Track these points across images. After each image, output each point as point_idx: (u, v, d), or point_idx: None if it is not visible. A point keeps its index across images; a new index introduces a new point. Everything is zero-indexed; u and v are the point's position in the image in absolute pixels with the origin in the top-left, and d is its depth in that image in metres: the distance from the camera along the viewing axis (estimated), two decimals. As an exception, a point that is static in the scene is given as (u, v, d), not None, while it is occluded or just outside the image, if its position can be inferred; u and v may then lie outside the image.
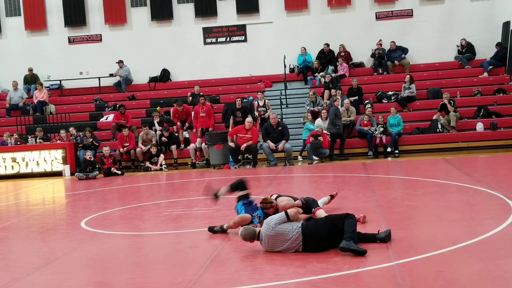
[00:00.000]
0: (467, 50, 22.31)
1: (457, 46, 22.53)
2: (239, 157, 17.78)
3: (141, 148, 18.75)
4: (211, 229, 8.64)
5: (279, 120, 18.46)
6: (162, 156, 18.36)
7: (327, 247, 7.25)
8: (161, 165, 18.17)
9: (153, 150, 18.36)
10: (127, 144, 18.87)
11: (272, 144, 17.41)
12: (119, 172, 17.64)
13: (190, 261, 7.27)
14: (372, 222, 8.68)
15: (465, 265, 6.48)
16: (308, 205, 9.00)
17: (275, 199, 8.84)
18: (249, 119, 17.70)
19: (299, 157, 18.21)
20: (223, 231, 8.57)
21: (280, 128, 17.76)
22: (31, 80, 23.87)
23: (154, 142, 18.82)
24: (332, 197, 9.77)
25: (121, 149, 18.77)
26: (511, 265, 6.36)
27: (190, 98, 20.96)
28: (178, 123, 19.70)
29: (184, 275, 6.61)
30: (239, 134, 17.50)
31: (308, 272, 6.48)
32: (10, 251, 8.73)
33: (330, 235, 7.26)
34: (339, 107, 19.24)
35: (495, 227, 7.90)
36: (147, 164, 18.33)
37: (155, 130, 19.46)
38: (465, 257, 6.77)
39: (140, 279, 6.67)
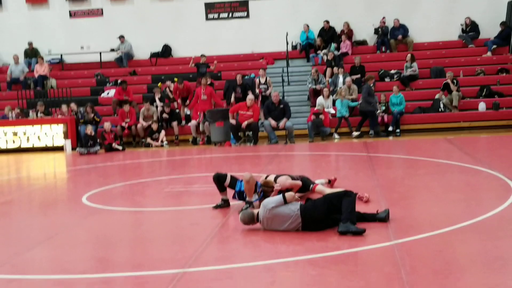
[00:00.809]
0: (471, 29, 22.18)
1: (461, 25, 22.40)
2: (239, 135, 17.75)
3: (142, 124, 18.74)
4: (217, 206, 8.69)
5: (281, 98, 18.40)
6: (163, 132, 18.36)
7: (327, 226, 7.28)
8: (162, 141, 18.18)
9: (154, 126, 18.37)
10: (128, 120, 18.86)
11: (273, 122, 17.39)
12: (120, 147, 17.65)
13: (191, 238, 7.30)
14: (372, 202, 8.69)
15: (464, 245, 6.51)
16: (304, 184, 9.02)
17: (275, 179, 8.85)
18: (250, 96, 17.66)
19: (335, 134, 18.08)
20: (225, 203, 8.62)
21: (282, 106, 17.71)
22: (31, 54, 23.78)
23: (155, 118, 18.81)
24: (329, 181, 9.73)
25: (123, 124, 18.75)
26: (509, 246, 6.39)
27: (193, 65, 20.77)
28: (179, 100, 19.62)
29: (185, 252, 6.64)
30: (240, 112, 17.48)
31: (307, 251, 6.51)
32: (11, 225, 8.76)
33: (329, 215, 7.29)
34: (343, 85, 19.22)
35: (495, 208, 7.92)
36: (148, 140, 18.34)
37: (156, 106, 19.43)
38: (464, 237, 6.80)
39: (141, 256, 6.71)
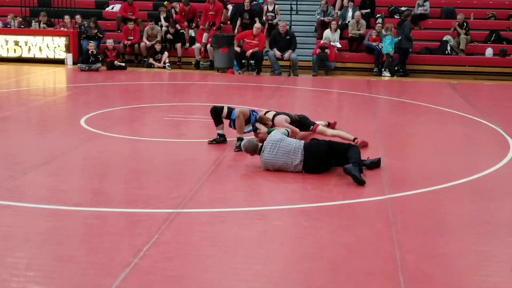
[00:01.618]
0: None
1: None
2: (243, 62, 17.58)
3: (146, 43, 18.51)
4: (212, 141, 8.72)
5: (288, 28, 18.12)
6: (166, 53, 18.14)
7: (326, 169, 7.36)
8: (164, 62, 17.99)
9: (158, 47, 18.14)
10: (132, 38, 18.61)
11: (278, 53, 17.20)
12: (122, 64, 17.49)
13: (187, 175, 7.34)
14: (370, 148, 8.71)
15: (456, 205, 6.57)
16: (304, 123, 9.03)
17: (272, 117, 8.85)
18: (257, 24, 17.39)
19: (384, 71, 17.66)
20: (221, 137, 8.68)
21: (288, 37, 17.46)
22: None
23: (159, 38, 18.57)
24: (329, 124, 9.71)
25: (126, 42, 18.52)
26: (501, 210, 6.44)
27: None
28: (185, 23, 19.30)
29: (180, 190, 6.69)
30: (246, 40, 17.24)
31: (302, 199, 6.57)
32: (8, 144, 8.78)
33: (330, 154, 7.36)
34: (351, 19, 18.91)
35: (491, 166, 7.95)
36: (151, 60, 18.14)
37: (161, 26, 19.13)
38: (457, 196, 6.86)
39: (136, 190, 6.76)
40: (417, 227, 5.81)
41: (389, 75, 17.52)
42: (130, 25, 18.64)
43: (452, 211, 6.38)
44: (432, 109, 12.30)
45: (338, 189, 6.90)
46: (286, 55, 17.17)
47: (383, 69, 17.71)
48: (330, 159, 7.42)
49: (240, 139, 8.41)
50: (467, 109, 12.26)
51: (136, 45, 18.61)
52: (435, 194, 6.85)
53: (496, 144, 9.40)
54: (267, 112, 9.19)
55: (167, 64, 17.95)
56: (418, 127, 10.68)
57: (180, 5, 19.40)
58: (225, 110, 8.68)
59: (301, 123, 9.05)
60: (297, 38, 17.90)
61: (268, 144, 7.45)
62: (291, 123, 8.86)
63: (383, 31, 17.84)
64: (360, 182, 6.96)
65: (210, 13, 18.47)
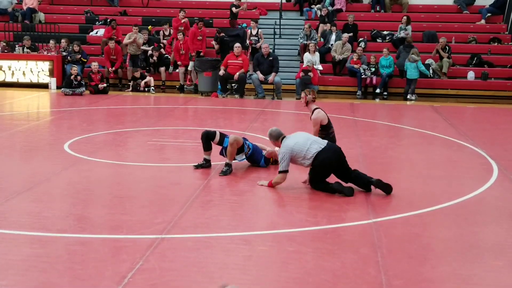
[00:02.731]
0: (469, -6, 21.94)
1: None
2: (227, 86, 17.60)
3: (130, 68, 18.46)
4: (198, 166, 8.70)
5: (271, 51, 18.22)
6: (151, 78, 18.06)
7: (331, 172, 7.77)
8: (148, 86, 17.91)
9: (137, 74, 18.02)
10: (114, 57, 18.51)
11: (261, 76, 17.27)
12: (105, 85, 17.41)
13: (171, 200, 7.30)
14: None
15: (442, 229, 6.57)
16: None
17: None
18: (237, 44, 17.40)
19: (409, 95, 17.81)
20: (207, 163, 8.66)
21: (271, 58, 17.54)
22: (22, -16, 23.26)
23: (139, 49, 18.51)
24: None
25: (110, 69, 18.49)
26: (486, 233, 6.47)
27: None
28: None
29: (164, 215, 6.65)
30: (229, 61, 17.33)
31: (286, 224, 6.55)
32: (-9, 170, 8.70)
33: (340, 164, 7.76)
34: (334, 42, 19.07)
35: (475, 189, 8.01)
36: (135, 82, 18.05)
37: (144, 51, 19.06)
38: (442, 220, 6.87)
39: (120, 216, 6.71)
40: (402, 251, 5.82)
41: (414, 98, 17.71)
42: (111, 43, 18.58)
43: (437, 235, 6.38)
44: (416, 132, 12.37)
45: (322, 213, 6.89)
46: (270, 78, 17.23)
47: (408, 94, 17.85)
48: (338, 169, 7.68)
49: (228, 165, 8.41)
50: (450, 132, 12.34)
51: (119, 70, 18.61)
52: (420, 218, 6.87)
53: (480, 167, 9.47)
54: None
55: (152, 88, 17.91)
56: (401, 151, 10.74)
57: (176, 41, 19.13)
58: (217, 137, 8.67)
59: None
60: (280, 61, 18.00)
61: (292, 134, 7.86)
62: None
63: (412, 57, 18.00)
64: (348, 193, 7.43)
65: (198, 37, 18.45)
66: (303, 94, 9.25)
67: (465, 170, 9.37)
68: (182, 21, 19.14)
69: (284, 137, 7.92)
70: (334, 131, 9.25)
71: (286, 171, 7.70)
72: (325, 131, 9.05)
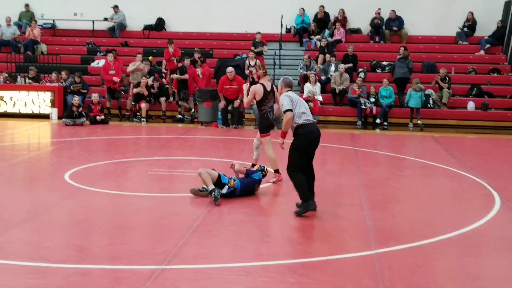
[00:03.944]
0: (470, 25, 22.03)
1: (466, 22, 22.08)
2: (228, 118, 17.44)
3: (130, 99, 18.50)
4: (195, 192, 8.70)
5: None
6: (143, 106, 17.93)
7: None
8: (139, 114, 17.95)
9: (143, 105, 18.10)
10: (113, 72, 18.45)
11: None
12: (103, 117, 17.43)
13: (171, 230, 7.26)
14: (354, 203, 8.72)
15: (445, 260, 6.51)
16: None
17: None
18: (229, 68, 17.14)
19: (410, 125, 18.09)
20: (205, 191, 8.69)
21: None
22: (27, 16, 23.48)
23: (143, 80, 18.50)
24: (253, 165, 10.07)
25: (116, 79, 18.33)
26: (489, 264, 6.41)
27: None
28: (174, 75, 19.15)
29: (164, 246, 6.60)
30: (225, 86, 17.14)
31: (288, 255, 6.50)
32: (-9, 200, 8.67)
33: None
34: (333, 73, 19.15)
35: (478, 220, 7.97)
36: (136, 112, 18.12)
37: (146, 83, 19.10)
38: (445, 252, 6.81)
39: (120, 246, 6.66)
40: (405, 283, 5.76)
41: (420, 122, 17.91)
42: (110, 56, 18.59)
43: (440, 266, 6.33)
44: (417, 163, 12.36)
45: (324, 244, 6.85)
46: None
47: (413, 119, 18.02)
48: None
49: (212, 191, 8.48)
50: (451, 162, 12.33)
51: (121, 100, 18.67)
52: (422, 249, 6.81)
53: (482, 197, 9.44)
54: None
55: (143, 119, 17.84)
56: (403, 181, 10.71)
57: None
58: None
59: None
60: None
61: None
62: None
63: (418, 86, 18.19)
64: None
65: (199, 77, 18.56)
66: (254, 70, 9.85)
67: (467, 201, 9.33)
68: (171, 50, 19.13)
69: (291, 90, 8.52)
70: (267, 110, 10.13)
71: (290, 110, 8.10)
72: (258, 106, 10.14)
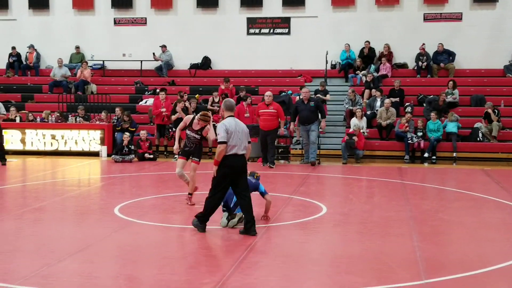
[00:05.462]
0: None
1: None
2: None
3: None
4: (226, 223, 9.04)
5: (312, 95, 17.97)
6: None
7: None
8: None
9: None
10: (164, 109, 18.68)
11: (292, 127, 16.88)
12: (151, 156, 17.73)
13: (219, 260, 7.31)
14: (404, 235, 8.62)
15: (496, 290, 6.38)
16: None
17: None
18: (268, 93, 16.85)
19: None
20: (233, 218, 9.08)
21: (312, 103, 16.69)
22: (77, 58, 24.22)
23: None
24: None
25: (163, 109, 18.56)
26: (543, 295, 6.25)
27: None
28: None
29: (212, 276, 6.64)
30: (260, 111, 16.63)
31: (336, 285, 6.45)
32: (44, 233, 8.87)
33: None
34: (379, 108, 19.10)
35: (530, 251, 7.77)
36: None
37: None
38: (496, 282, 6.67)
39: (169, 276, 6.73)
40: (456, 312, 5.65)
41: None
42: (162, 95, 18.90)
43: (492, 296, 6.20)
44: (467, 195, 12.16)
45: (372, 274, 6.78)
46: (322, 123, 16.93)
47: (454, 154, 17.95)
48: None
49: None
50: (502, 194, 12.10)
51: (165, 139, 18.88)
52: (473, 279, 6.69)
53: (534, 229, 9.22)
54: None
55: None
56: (452, 213, 10.53)
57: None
58: None
59: None
60: (326, 127, 17.96)
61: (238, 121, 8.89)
62: None
63: (455, 116, 18.24)
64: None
65: (245, 115, 18.45)
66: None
67: (519, 232, 9.13)
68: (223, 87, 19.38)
69: (232, 116, 8.73)
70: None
71: (224, 142, 8.43)
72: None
